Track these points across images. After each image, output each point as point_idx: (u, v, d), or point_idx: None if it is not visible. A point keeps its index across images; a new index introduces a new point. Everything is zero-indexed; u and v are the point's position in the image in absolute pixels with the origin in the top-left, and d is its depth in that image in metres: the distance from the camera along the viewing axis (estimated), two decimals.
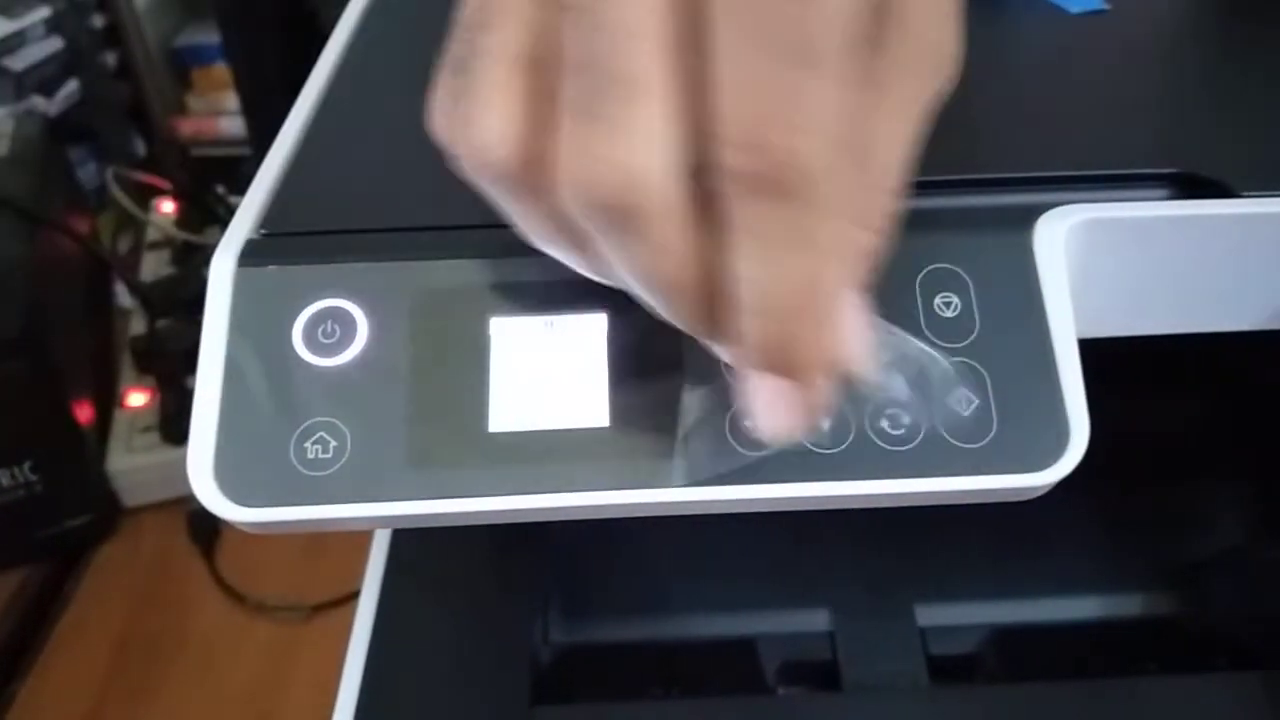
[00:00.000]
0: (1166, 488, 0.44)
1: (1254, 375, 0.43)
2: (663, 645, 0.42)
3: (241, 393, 0.25)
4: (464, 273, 0.26)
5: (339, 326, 0.26)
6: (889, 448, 0.25)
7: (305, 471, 0.25)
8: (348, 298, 0.26)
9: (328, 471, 0.25)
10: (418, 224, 0.27)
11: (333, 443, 0.25)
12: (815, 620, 0.42)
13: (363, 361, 0.26)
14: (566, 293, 0.26)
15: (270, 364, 0.26)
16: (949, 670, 0.41)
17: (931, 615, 0.42)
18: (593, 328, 0.26)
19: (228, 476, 0.25)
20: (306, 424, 0.25)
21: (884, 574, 0.43)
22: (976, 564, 0.43)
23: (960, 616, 0.42)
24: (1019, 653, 0.42)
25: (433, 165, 0.30)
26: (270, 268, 0.26)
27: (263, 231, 0.28)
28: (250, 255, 0.27)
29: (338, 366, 0.26)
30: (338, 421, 0.25)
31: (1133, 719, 0.37)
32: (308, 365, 0.26)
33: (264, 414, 0.25)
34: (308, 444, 0.25)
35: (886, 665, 0.40)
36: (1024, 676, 0.40)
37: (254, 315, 0.26)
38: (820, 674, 0.41)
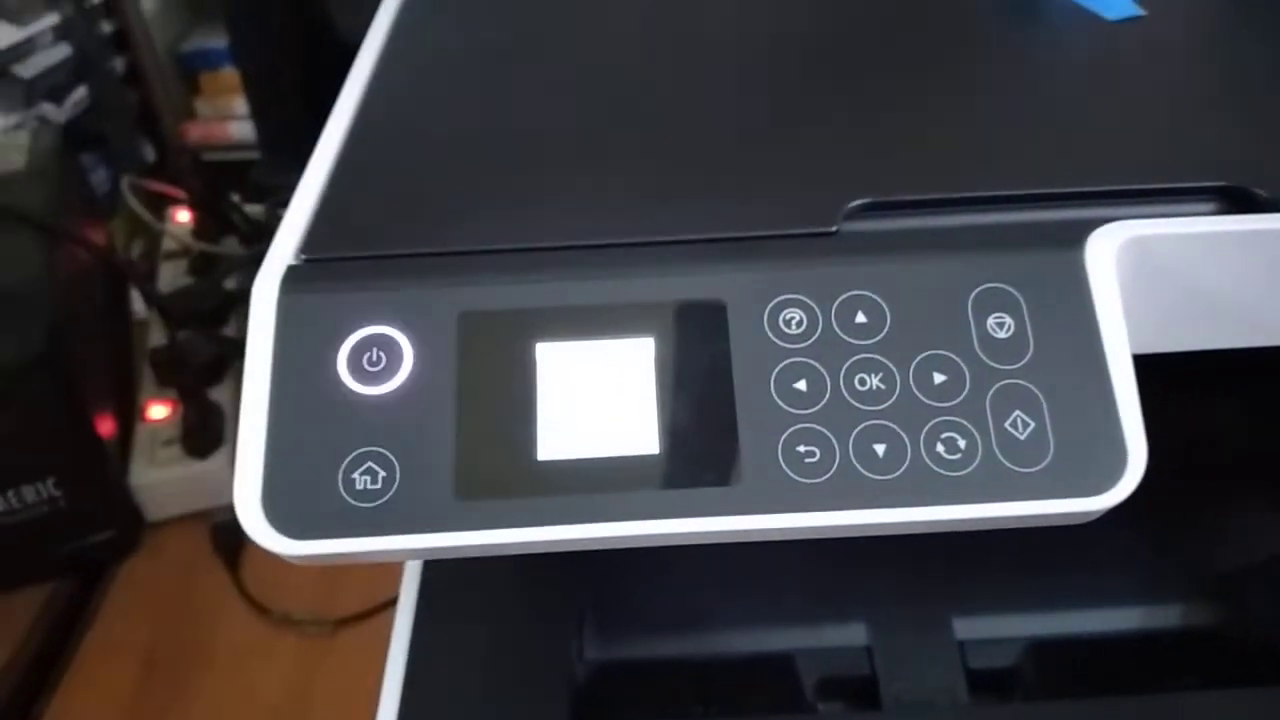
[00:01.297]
0: (1206, 498, 0.44)
1: None
2: (699, 662, 0.42)
3: (287, 424, 0.25)
4: (510, 297, 0.26)
5: (384, 354, 0.26)
6: (945, 473, 0.25)
7: (354, 503, 0.25)
8: (393, 324, 0.26)
9: (377, 503, 0.25)
10: (462, 248, 0.27)
11: (381, 473, 0.25)
12: (853, 635, 0.41)
13: (409, 389, 0.25)
14: (614, 317, 0.26)
15: (316, 393, 0.25)
16: (988, 684, 0.40)
17: (970, 628, 0.41)
18: (640, 352, 0.26)
19: (276, 509, 0.25)
20: (354, 454, 0.25)
21: (921, 587, 0.42)
22: (1014, 576, 0.43)
23: (999, 629, 0.42)
24: (1059, 666, 0.41)
25: (476, 186, 0.30)
26: (313, 295, 0.26)
27: (304, 257, 0.27)
28: (293, 282, 0.26)
29: (384, 395, 0.25)
30: (386, 451, 0.25)
31: None
32: (354, 394, 0.25)
33: (311, 445, 0.25)
34: (356, 474, 0.25)
35: (925, 680, 0.40)
36: (1064, 690, 0.40)
37: (298, 344, 0.26)
38: (859, 689, 0.40)
